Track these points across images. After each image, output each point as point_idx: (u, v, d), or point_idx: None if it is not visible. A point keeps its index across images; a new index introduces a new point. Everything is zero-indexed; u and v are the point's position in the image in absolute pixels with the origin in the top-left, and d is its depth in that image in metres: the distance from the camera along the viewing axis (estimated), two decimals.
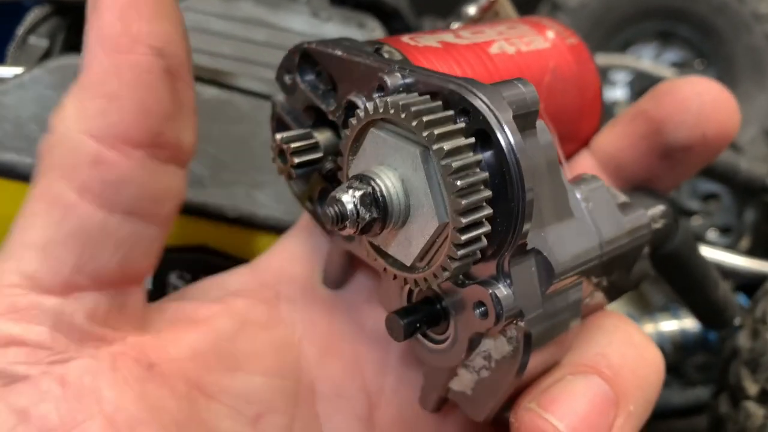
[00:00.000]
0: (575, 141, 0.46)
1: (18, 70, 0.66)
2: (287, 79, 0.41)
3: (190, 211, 0.62)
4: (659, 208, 0.42)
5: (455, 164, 0.29)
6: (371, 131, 0.32)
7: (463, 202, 0.29)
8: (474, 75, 0.39)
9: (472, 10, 0.58)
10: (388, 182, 0.31)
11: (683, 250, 0.45)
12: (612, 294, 0.40)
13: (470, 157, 0.30)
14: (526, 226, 0.31)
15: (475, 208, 0.30)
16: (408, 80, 0.33)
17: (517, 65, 0.41)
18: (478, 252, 0.31)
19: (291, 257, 0.45)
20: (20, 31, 0.81)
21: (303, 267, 0.45)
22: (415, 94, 0.32)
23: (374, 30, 0.73)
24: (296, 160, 0.37)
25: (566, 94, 0.44)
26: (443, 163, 0.29)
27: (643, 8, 1.34)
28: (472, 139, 0.30)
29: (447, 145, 0.29)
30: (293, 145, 0.37)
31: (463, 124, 0.30)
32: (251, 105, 0.65)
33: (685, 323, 0.86)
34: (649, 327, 0.83)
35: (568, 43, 0.45)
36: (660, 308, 0.90)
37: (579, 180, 0.37)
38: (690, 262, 0.47)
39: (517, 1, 0.58)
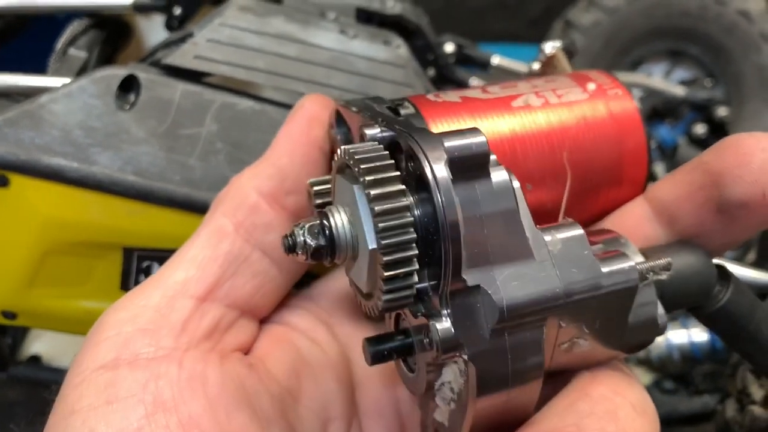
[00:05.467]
0: (620, 185, 0.47)
1: (66, 80, 0.70)
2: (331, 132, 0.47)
3: None
4: (665, 261, 0.40)
5: (378, 208, 0.33)
6: (337, 176, 0.37)
7: (383, 242, 0.33)
8: (488, 128, 0.42)
9: (536, 65, 0.64)
10: (337, 216, 0.36)
11: (734, 311, 0.42)
12: (610, 343, 0.38)
13: (397, 202, 0.33)
14: (460, 267, 0.33)
15: (397, 247, 0.33)
16: (385, 133, 0.38)
17: (536, 115, 0.44)
18: (412, 287, 0.34)
19: (340, 284, 0.50)
20: (60, 43, 0.85)
21: (348, 292, 0.49)
22: (375, 143, 0.36)
23: (399, 47, 0.76)
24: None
25: (601, 141, 0.45)
26: (370, 206, 0.33)
27: (654, 28, 1.37)
28: (402, 186, 0.34)
29: (374, 191, 0.33)
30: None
31: (397, 172, 0.34)
32: (283, 116, 0.68)
33: (694, 333, 0.88)
34: (658, 337, 0.85)
35: (609, 93, 0.46)
36: (669, 318, 0.92)
37: (554, 225, 0.38)
38: (744, 323, 0.43)
39: (531, 20, 0.61)
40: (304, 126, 0.46)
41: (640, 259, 0.39)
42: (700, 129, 1.35)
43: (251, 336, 0.44)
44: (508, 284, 0.34)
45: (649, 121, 1.27)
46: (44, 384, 0.90)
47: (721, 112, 1.32)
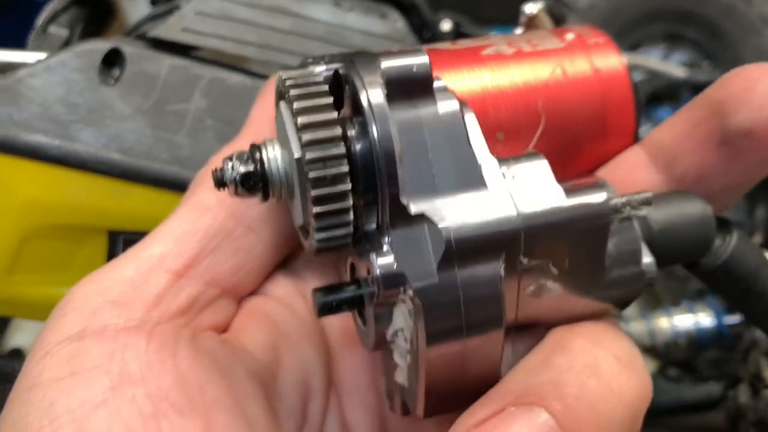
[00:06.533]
0: (608, 136, 0.44)
1: (41, 55, 0.66)
2: None
3: None
4: (644, 194, 0.36)
5: (300, 120, 0.31)
6: (279, 104, 0.34)
7: (308, 155, 0.31)
8: (455, 77, 0.40)
9: (518, 30, 0.60)
10: (270, 146, 0.34)
11: (737, 268, 0.39)
12: (587, 290, 0.35)
13: (324, 115, 0.31)
14: (397, 187, 0.31)
15: (323, 160, 0.31)
16: (332, 67, 0.35)
17: (507, 62, 0.41)
18: (347, 225, 0.32)
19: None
20: (40, 20, 0.82)
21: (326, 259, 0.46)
22: (312, 70, 0.34)
23: (396, 21, 0.74)
24: None
25: (582, 88, 0.42)
26: (294, 120, 0.31)
27: (652, 10, 1.35)
28: (334, 114, 0.32)
29: (298, 104, 0.31)
30: None
31: (330, 98, 0.32)
32: None
33: (700, 318, 0.86)
34: (664, 322, 0.84)
35: (590, 42, 0.44)
36: (675, 303, 0.90)
37: (513, 156, 0.35)
38: (749, 282, 0.40)
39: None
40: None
41: (614, 191, 0.35)
42: None
43: (228, 316, 0.41)
44: (456, 211, 0.31)
45: (648, 104, 1.24)
46: None
47: None
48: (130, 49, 0.63)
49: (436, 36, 0.91)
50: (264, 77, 0.66)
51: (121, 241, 0.64)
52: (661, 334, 0.90)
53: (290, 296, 0.42)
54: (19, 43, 0.83)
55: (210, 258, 0.38)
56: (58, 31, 0.81)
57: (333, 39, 0.69)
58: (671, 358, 0.94)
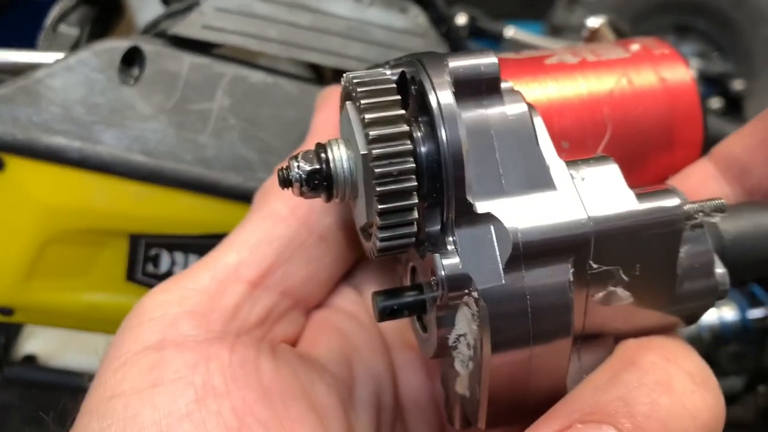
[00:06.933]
0: (675, 147, 0.43)
1: (57, 55, 0.64)
2: None
3: (240, 196, 0.61)
4: (717, 201, 0.35)
5: (367, 117, 0.30)
6: (346, 104, 0.34)
7: (375, 152, 0.30)
8: (516, 81, 0.39)
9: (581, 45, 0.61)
10: (335, 146, 0.33)
11: None
12: (657, 300, 0.34)
13: (391, 112, 0.31)
14: (464, 186, 0.30)
15: (390, 156, 0.30)
16: (397, 69, 0.35)
17: (571, 72, 0.41)
18: (411, 224, 0.31)
19: (379, 262, 0.46)
20: (50, 19, 0.80)
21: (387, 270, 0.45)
22: (380, 69, 0.34)
23: (417, 16, 0.72)
24: None
25: (649, 98, 0.42)
26: (361, 116, 0.31)
27: (661, 2, 1.34)
28: (401, 111, 0.31)
29: (365, 101, 0.31)
30: None
31: (398, 96, 0.32)
32: (299, 90, 0.64)
33: (724, 312, 0.85)
34: None
35: (655, 53, 0.44)
36: None
37: (582, 159, 0.34)
38: None
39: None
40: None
41: (685, 198, 0.34)
42: (715, 104, 1.33)
43: (299, 329, 0.41)
44: (524, 212, 0.30)
45: None
46: (40, 386, 0.85)
47: (737, 85, 1.29)
48: (150, 47, 0.61)
49: (452, 30, 0.89)
50: (286, 74, 0.65)
51: (142, 245, 0.63)
52: (685, 329, 0.88)
53: (356, 308, 0.42)
54: (23, 43, 0.81)
55: (284, 268, 0.38)
56: (69, 30, 0.79)
57: (354, 34, 0.68)
58: None
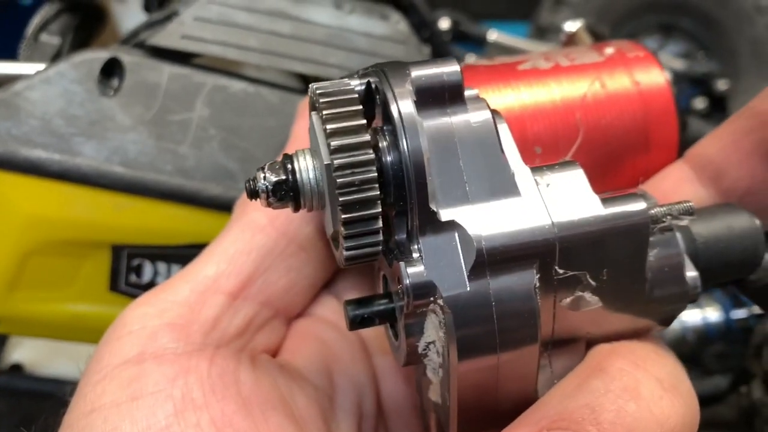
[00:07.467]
0: (650, 150, 0.44)
1: (37, 66, 0.64)
2: None
3: (221, 206, 0.61)
4: (685, 204, 0.35)
5: (329, 127, 0.31)
6: (312, 115, 0.34)
7: (336, 161, 0.30)
8: (493, 92, 0.40)
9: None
10: (302, 157, 0.33)
11: None
12: (627, 304, 0.34)
13: (351, 122, 0.31)
14: (426, 195, 0.31)
15: (352, 166, 0.30)
16: (364, 80, 0.35)
17: (544, 77, 0.41)
18: (376, 233, 0.31)
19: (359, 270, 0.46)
20: (31, 28, 0.79)
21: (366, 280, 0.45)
22: (344, 80, 0.34)
23: (398, 22, 0.72)
24: None
25: (623, 101, 0.42)
26: (324, 127, 0.31)
27: (646, 1, 1.35)
28: (363, 121, 0.31)
29: (327, 112, 0.31)
30: None
31: (359, 106, 0.32)
32: (279, 98, 0.64)
33: (708, 312, 0.86)
34: None
35: (629, 56, 0.44)
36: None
37: (548, 165, 0.34)
38: None
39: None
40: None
41: (654, 201, 0.34)
42: (700, 104, 1.33)
43: (280, 338, 0.41)
44: (488, 219, 0.31)
45: None
46: (27, 394, 0.85)
47: (721, 85, 1.29)
48: (129, 58, 0.61)
49: (435, 35, 0.89)
50: (267, 84, 0.65)
51: (125, 255, 0.63)
52: (670, 331, 0.89)
53: (336, 317, 0.42)
54: (6, 51, 0.81)
55: (263, 278, 0.38)
56: (50, 39, 0.79)
57: (335, 42, 0.68)
58: (678, 354, 0.93)
